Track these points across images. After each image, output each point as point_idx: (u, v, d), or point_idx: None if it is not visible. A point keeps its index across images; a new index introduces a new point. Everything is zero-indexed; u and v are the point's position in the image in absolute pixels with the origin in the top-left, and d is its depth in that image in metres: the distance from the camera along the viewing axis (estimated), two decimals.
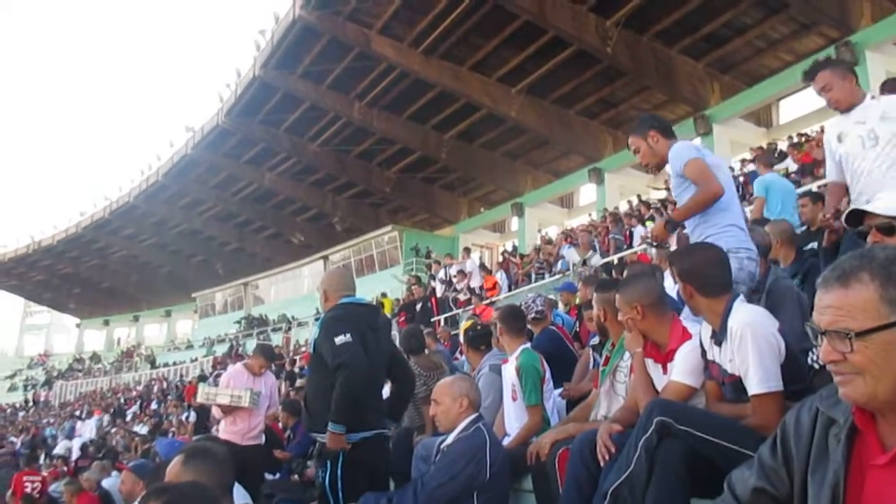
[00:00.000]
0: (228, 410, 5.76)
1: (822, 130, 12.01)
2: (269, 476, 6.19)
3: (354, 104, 22.77)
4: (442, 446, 3.35)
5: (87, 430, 18.91)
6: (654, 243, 3.77)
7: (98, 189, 65.86)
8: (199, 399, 6.39)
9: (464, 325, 5.48)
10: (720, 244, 3.01)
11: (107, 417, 22.54)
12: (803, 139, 14.11)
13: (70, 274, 43.97)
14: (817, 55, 15.78)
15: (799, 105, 18.20)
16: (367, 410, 3.60)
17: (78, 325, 52.29)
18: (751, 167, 13.37)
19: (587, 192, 24.45)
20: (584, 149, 22.33)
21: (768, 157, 8.69)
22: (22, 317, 57.59)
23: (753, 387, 2.39)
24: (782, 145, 15.08)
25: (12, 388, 42.28)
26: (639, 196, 18.98)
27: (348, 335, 3.53)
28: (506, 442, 3.77)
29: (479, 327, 5.23)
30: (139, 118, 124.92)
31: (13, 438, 23.55)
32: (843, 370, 1.32)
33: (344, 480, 3.51)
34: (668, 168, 3.62)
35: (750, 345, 2.42)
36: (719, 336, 2.56)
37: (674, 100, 19.73)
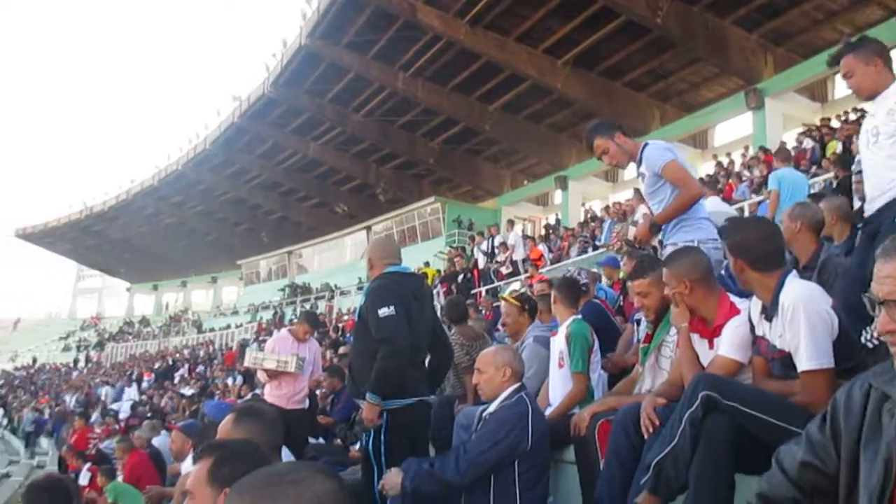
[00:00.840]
0: (274, 375, 5.89)
1: None
2: (312, 440, 6.32)
3: (399, 75, 22.71)
4: (484, 414, 3.38)
5: (131, 393, 19.50)
6: (638, 245, 3.80)
7: (148, 157, 67.21)
8: (247, 363, 6.54)
9: (508, 294, 5.47)
10: (695, 235, 3.36)
11: (152, 380, 23.25)
12: (859, 115, 13.64)
13: (121, 239, 45.13)
14: (877, 27, 15.25)
15: None
16: (410, 378, 3.65)
17: (128, 290, 53.84)
18: (808, 143, 13.02)
19: (632, 166, 23.93)
20: (631, 122, 21.88)
21: (783, 153, 8.90)
22: (75, 280, 59.57)
23: (804, 363, 2.36)
24: (836, 123, 14.60)
25: (66, 349, 43.78)
26: None
27: (392, 307, 3.56)
28: (549, 412, 3.79)
29: (527, 297, 5.26)
30: (189, 88, 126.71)
31: (66, 396, 24.47)
32: None
33: (387, 446, 3.57)
34: (642, 168, 3.79)
35: (802, 320, 2.38)
36: (770, 311, 2.52)
37: (725, 72, 19.24)
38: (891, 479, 1.36)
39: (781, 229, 3.73)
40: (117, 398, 20.20)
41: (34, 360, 40.16)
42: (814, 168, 11.57)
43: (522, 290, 7.97)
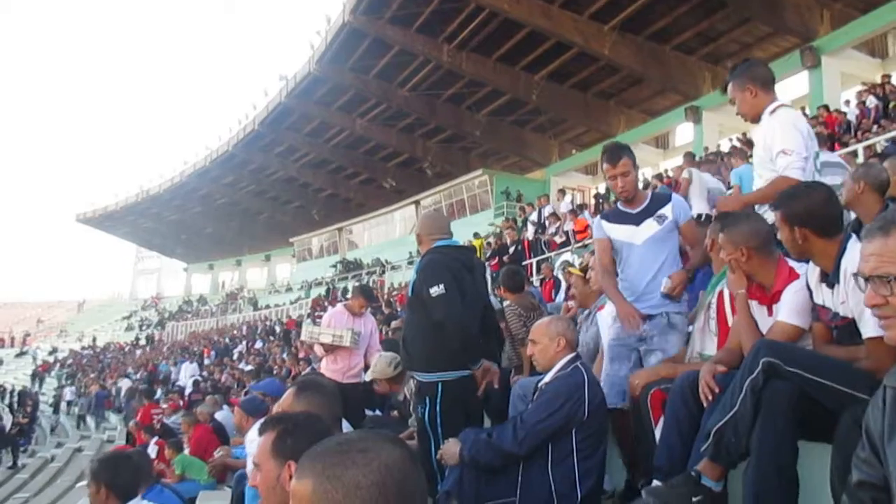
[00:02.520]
0: (330, 349, 5.96)
1: None
2: (369, 412, 6.42)
3: (443, 47, 22.58)
4: (540, 385, 3.39)
5: (192, 369, 20.05)
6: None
7: (200, 140, 68.50)
8: (303, 338, 6.65)
9: (574, 268, 5.41)
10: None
11: (213, 357, 23.90)
12: None
13: (177, 221, 46.27)
14: None
15: None
16: (466, 350, 3.66)
17: (185, 269, 55.28)
18: (871, 101, 12.54)
19: (684, 132, 23.57)
20: (681, 86, 21.44)
21: (741, 152, 9.46)
22: (134, 262, 61.38)
23: (870, 329, 2.29)
24: None
25: (129, 328, 45.27)
26: (744, 133, 18.11)
27: (443, 285, 3.56)
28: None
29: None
30: (238, 69, 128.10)
31: (131, 372, 25.38)
32: (888, 313, 1.46)
33: (442, 416, 3.60)
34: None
35: None
36: (832, 278, 2.45)
37: (779, 31, 18.61)
38: None
39: (842, 192, 3.63)
40: (178, 375, 20.85)
41: (94, 340, 41.66)
42: (875, 127, 11.17)
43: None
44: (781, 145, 3.24)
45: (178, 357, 26.12)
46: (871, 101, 12.55)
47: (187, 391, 15.32)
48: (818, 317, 2.58)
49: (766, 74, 3.45)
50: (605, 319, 4.01)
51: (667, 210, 3.57)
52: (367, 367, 6.48)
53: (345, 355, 6.00)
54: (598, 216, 3.69)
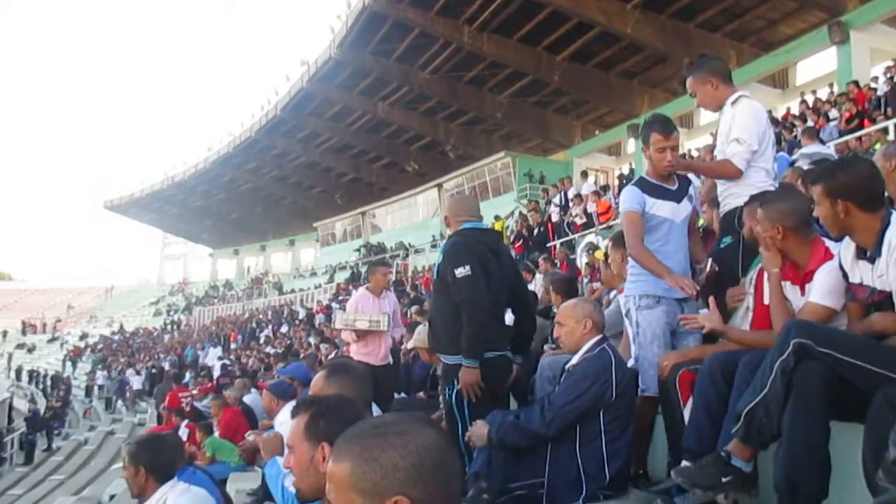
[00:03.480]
0: (362, 335, 6.00)
1: None
2: (396, 395, 6.46)
3: (464, 28, 22.43)
4: (567, 366, 3.39)
5: (216, 353, 20.32)
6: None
7: (224, 126, 68.91)
8: (338, 325, 6.70)
9: (599, 251, 5.42)
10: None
11: (239, 342, 24.19)
12: None
13: (201, 207, 46.68)
14: None
15: None
16: (487, 332, 3.64)
17: (211, 255, 55.87)
18: None
19: (708, 112, 23.23)
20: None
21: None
22: (161, 247, 62.11)
23: None
24: None
25: (157, 313, 45.91)
26: (769, 112, 17.84)
27: (468, 267, 3.56)
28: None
29: None
30: (261, 55, 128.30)
31: (161, 358, 25.78)
32: None
33: (468, 398, 3.60)
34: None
35: None
36: (874, 253, 2.41)
37: (806, 6, 18.28)
38: None
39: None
40: (205, 359, 21.16)
41: (121, 326, 42.33)
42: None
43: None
44: (737, 133, 3.44)
45: (205, 341, 26.47)
46: None
47: (216, 374, 15.51)
48: (854, 296, 2.55)
49: (724, 68, 3.73)
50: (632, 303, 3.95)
51: (692, 191, 3.60)
52: (393, 349, 6.53)
53: (375, 339, 6.03)
54: (632, 185, 3.54)
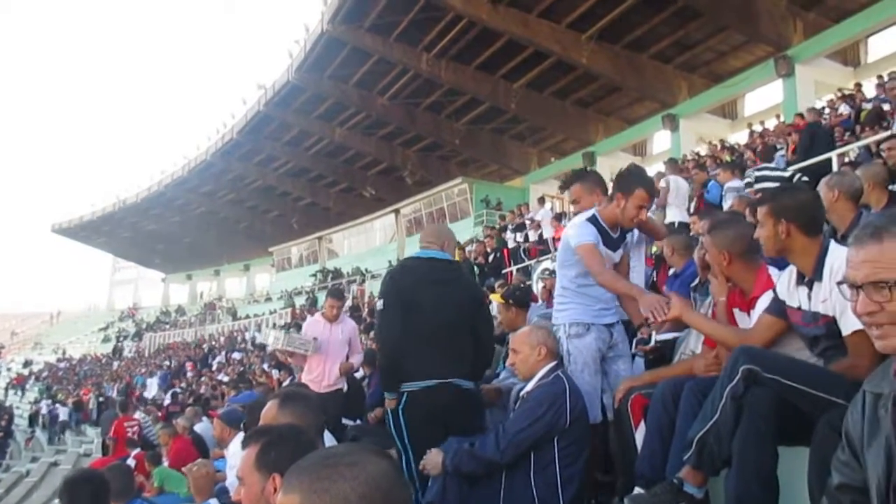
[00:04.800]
0: (301, 359, 5.98)
1: None
2: (349, 421, 6.38)
3: (422, 56, 22.61)
4: (522, 393, 3.40)
5: (153, 386, 19.69)
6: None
7: (178, 149, 68.03)
8: (270, 346, 6.63)
9: (496, 294, 5.42)
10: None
11: (196, 371, 23.65)
12: (886, 78, 13.22)
13: (154, 231, 45.80)
14: None
15: (889, 42, 17.13)
16: (427, 361, 3.58)
17: (163, 280, 54.71)
18: (844, 108, 12.71)
19: (661, 140, 23.80)
20: (658, 95, 21.65)
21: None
22: (111, 272, 60.67)
23: (853, 324, 2.31)
24: (870, 85, 14.21)
25: (105, 340, 44.69)
26: (721, 141, 18.29)
27: (382, 301, 3.67)
28: None
29: (521, 286, 5.24)
30: (216, 78, 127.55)
31: (108, 387, 25.07)
32: (881, 321, 1.44)
33: (407, 428, 3.59)
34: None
35: None
36: (814, 277, 2.47)
37: (753, 40, 18.87)
38: (892, 471, 1.43)
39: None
40: (145, 391, 20.54)
41: (64, 353, 41.12)
42: (847, 135, 11.32)
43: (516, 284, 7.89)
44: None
45: (152, 369, 25.86)
46: (844, 109, 12.70)
47: (166, 402, 15.16)
48: (790, 321, 2.60)
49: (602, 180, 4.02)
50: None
51: (629, 238, 3.78)
52: (349, 377, 6.44)
53: (318, 363, 5.91)
54: (586, 221, 3.55)
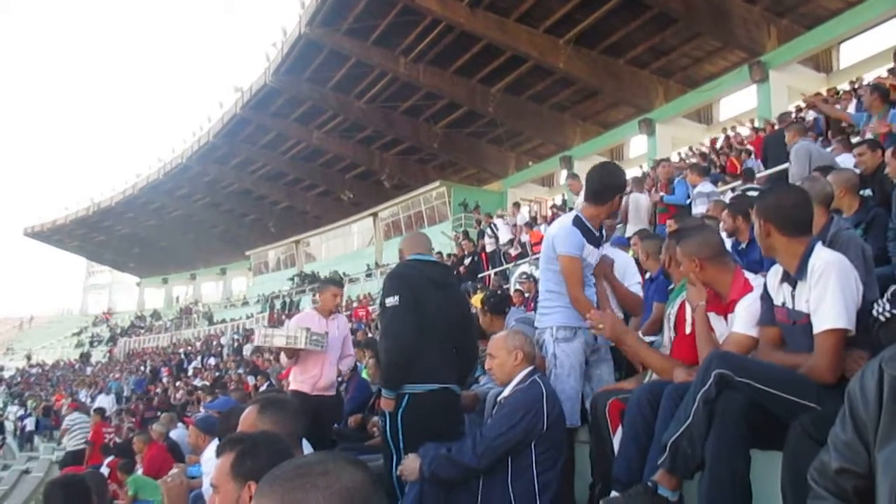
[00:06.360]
0: (292, 356, 5.23)
1: (889, 73, 11.46)
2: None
3: (400, 59, 22.62)
4: (499, 399, 3.40)
5: (107, 401, 18.98)
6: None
7: (153, 151, 67.30)
8: (257, 342, 6.08)
9: (477, 296, 5.43)
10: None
11: (171, 375, 23.37)
12: (857, 86, 13.41)
13: (129, 234, 45.25)
14: None
15: (861, 48, 17.41)
16: (434, 365, 3.60)
17: (138, 284, 54.00)
18: (811, 114, 12.86)
19: (637, 144, 24.01)
20: (634, 99, 21.86)
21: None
22: (85, 276, 59.82)
23: (825, 321, 2.35)
24: (844, 88, 14.41)
25: (79, 345, 44.01)
26: (691, 148, 18.50)
27: (397, 297, 3.56)
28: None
29: (498, 292, 5.24)
30: (192, 80, 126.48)
31: (81, 392, 24.66)
32: None
33: (404, 431, 3.55)
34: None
35: (833, 281, 2.38)
36: (797, 276, 2.50)
37: (728, 46, 19.13)
38: None
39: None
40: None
41: (28, 358, 40.47)
42: (820, 140, 11.45)
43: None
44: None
45: (129, 375, 25.51)
46: (811, 115, 12.83)
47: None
48: (777, 318, 2.63)
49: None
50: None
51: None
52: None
53: (314, 363, 5.24)
54: (573, 227, 3.61)
